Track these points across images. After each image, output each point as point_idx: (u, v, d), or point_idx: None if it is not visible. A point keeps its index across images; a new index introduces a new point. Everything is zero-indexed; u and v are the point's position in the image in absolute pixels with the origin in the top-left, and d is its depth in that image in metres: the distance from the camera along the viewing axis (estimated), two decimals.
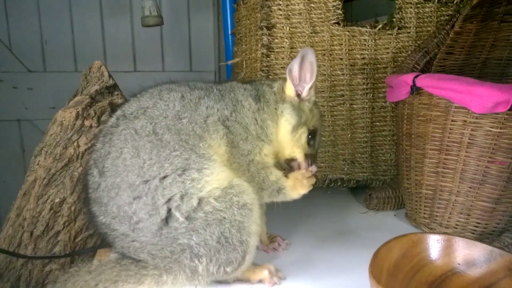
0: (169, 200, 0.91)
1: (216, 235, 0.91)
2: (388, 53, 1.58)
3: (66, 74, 2.41)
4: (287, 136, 1.07)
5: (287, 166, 1.11)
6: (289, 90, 1.09)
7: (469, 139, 1.13)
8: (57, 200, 1.21)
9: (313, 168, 1.08)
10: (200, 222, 0.91)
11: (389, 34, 1.57)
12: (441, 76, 1.16)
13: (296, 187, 1.05)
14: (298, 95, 1.09)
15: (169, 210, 0.91)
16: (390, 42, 1.57)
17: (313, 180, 1.07)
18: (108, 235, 0.98)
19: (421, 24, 1.58)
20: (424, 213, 1.31)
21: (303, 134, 1.08)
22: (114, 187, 0.93)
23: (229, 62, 1.89)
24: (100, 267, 0.94)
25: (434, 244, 0.94)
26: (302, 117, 1.08)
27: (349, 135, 1.62)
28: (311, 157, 1.09)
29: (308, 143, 1.09)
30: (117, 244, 0.97)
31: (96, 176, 0.97)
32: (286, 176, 1.07)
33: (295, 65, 1.07)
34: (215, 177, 0.94)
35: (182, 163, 0.93)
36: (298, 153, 1.09)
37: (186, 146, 0.95)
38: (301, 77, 1.08)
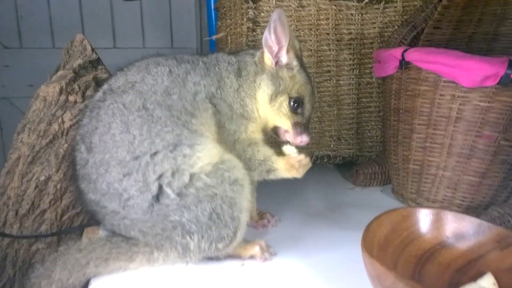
0: (160, 176, 0.90)
1: (208, 211, 0.90)
2: (375, 28, 1.57)
3: (43, 50, 2.33)
4: (267, 107, 1.05)
5: (274, 134, 1.10)
6: (267, 59, 1.06)
7: (457, 113, 1.14)
8: (42, 178, 1.18)
9: (304, 138, 1.06)
10: (192, 199, 0.90)
11: (376, 8, 1.55)
12: (430, 50, 1.16)
13: (290, 171, 1.03)
14: (277, 63, 1.06)
15: (160, 187, 0.90)
16: (377, 17, 1.56)
17: (309, 166, 1.04)
18: (98, 213, 0.96)
19: None
20: (411, 188, 1.32)
21: (283, 102, 1.05)
22: (103, 164, 0.91)
23: (213, 37, 1.85)
24: (90, 245, 0.93)
25: (424, 218, 0.94)
26: (281, 85, 1.05)
27: (336, 111, 1.61)
28: (301, 126, 1.07)
29: (294, 110, 1.06)
30: (107, 222, 0.96)
31: (84, 152, 0.95)
32: (278, 154, 1.05)
33: (268, 32, 1.03)
34: (206, 153, 0.93)
35: (174, 139, 0.91)
36: (283, 122, 1.07)
37: (178, 122, 0.93)
38: (278, 42, 1.04)
